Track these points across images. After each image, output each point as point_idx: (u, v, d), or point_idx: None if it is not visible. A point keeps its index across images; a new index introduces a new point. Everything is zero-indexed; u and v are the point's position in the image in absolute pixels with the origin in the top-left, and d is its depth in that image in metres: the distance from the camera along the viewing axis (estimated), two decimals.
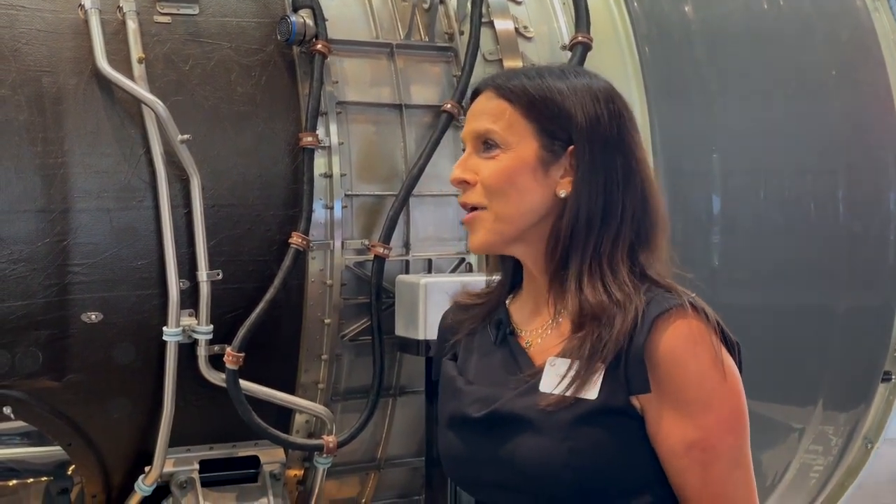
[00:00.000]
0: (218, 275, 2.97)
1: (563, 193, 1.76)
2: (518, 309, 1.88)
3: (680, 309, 1.69)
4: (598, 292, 1.71)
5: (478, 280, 2.02)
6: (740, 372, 1.74)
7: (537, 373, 1.75)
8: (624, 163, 1.77)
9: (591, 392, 1.69)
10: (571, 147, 1.76)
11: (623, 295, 1.71)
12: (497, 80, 1.83)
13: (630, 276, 1.74)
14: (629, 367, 1.68)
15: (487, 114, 1.79)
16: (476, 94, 1.86)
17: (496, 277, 1.94)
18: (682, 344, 1.68)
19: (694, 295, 1.75)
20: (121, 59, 2.98)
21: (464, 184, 1.80)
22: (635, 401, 1.70)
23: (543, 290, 1.82)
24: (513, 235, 1.78)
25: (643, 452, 1.71)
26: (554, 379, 1.72)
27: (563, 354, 1.73)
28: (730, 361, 1.71)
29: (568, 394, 1.69)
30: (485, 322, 1.90)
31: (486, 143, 1.79)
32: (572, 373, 1.70)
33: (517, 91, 1.78)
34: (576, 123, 1.76)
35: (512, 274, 1.91)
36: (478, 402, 1.79)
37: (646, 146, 3.35)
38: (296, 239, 3.05)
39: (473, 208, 1.80)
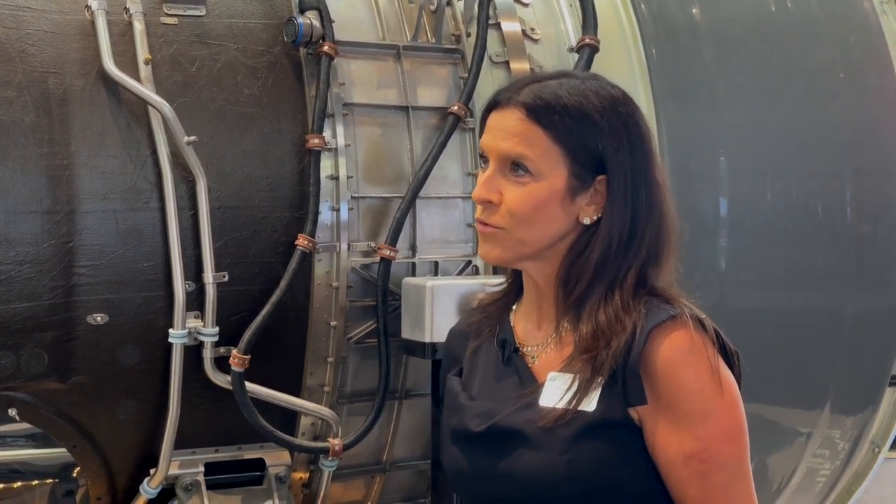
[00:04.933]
0: (224, 277, 2.97)
1: (587, 220, 1.74)
2: (521, 320, 1.88)
3: (676, 320, 1.68)
4: (610, 317, 1.70)
5: (483, 282, 2.02)
6: (740, 381, 1.73)
7: (538, 388, 1.75)
8: (648, 190, 1.75)
9: (590, 405, 1.68)
10: (601, 176, 1.74)
11: (627, 313, 1.70)
12: (524, 98, 1.74)
13: (634, 293, 1.73)
14: (626, 379, 1.67)
15: (519, 136, 1.72)
16: (496, 104, 1.78)
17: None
18: (679, 355, 1.67)
19: (693, 304, 1.73)
20: (127, 60, 2.97)
21: (487, 203, 1.75)
22: (633, 413, 1.69)
23: (549, 304, 1.81)
24: (529, 255, 1.77)
25: (642, 464, 1.70)
26: (554, 394, 1.72)
27: (564, 370, 1.73)
28: (727, 373, 1.70)
29: (566, 408, 1.69)
30: (490, 336, 1.90)
31: (515, 165, 1.73)
32: (573, 388, 1.69)
33: (554, 121, 1.72)
34: (609, 156, 1.73)
35: (517, 281, 1.91)
36: (479, 416, 1.79)
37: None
38: (302, 241, 3.04)
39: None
